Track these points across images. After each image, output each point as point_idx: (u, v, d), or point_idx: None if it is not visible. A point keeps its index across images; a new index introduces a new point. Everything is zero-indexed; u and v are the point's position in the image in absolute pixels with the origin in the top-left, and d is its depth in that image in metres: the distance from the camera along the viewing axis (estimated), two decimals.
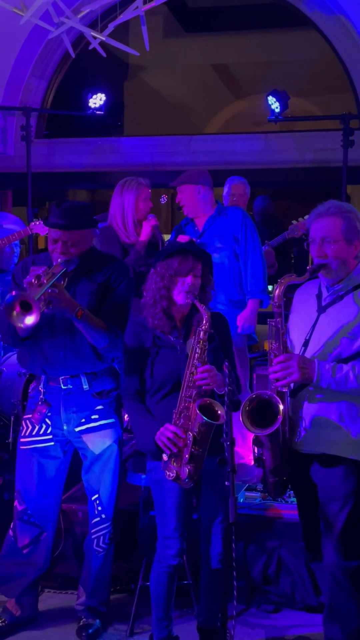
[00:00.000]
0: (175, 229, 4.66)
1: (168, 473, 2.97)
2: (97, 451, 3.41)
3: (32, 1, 4.04)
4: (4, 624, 3.46)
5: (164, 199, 12.19)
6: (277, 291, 2.90)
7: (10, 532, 3.48)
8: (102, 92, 6.30)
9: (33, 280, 3.05)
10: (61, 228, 3.23)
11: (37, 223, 4.27)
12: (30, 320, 2.96)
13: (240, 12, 8.47)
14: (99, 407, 3.41)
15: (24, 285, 3.09)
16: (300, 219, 5.22)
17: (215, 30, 8.85)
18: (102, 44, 4.37)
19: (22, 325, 2.99)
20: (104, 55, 4.41)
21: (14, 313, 2.97)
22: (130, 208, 4.34)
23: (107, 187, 8.19)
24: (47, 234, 3.36)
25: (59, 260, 3.23)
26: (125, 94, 8.94)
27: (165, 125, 8.86)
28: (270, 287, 4.78)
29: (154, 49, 4.50)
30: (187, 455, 2.94)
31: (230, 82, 10.20)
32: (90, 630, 3.42)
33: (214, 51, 9.28)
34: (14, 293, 2.99)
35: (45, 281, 3.05)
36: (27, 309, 2.96)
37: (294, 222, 5.22)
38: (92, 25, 5.10)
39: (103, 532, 3.45)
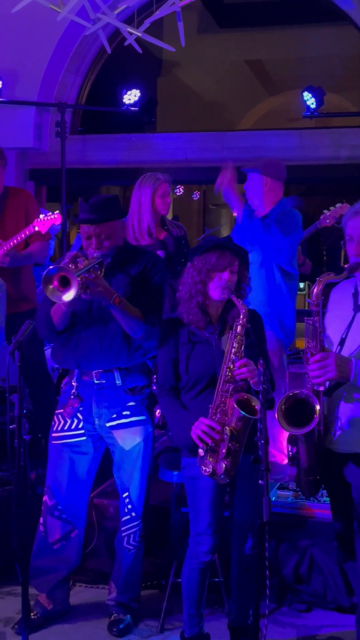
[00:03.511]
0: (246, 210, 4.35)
1: (204, 468, 2.97)
2: (126, 447, 3.41)
3: None
4: (36, 616, 3.48)
5: (196, 195, 12.19)
6: (315, 289, 2.88)
7: (41, 528, 3.49)
8: (136, 88, 6.30)
9: (70, 265, 3.07)
10: (92, 222, 3.25)
11: (42, 220, 4.26)
12: (68, 296, 2.98)
13: (275, 7, 8.42)
14: (131, 403, 3.41)
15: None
16: (331, 208, 5.16)
17: (249, 26, 8.81)
18: (136, 39, 4.36)
19: (58, 301, 3.02)
20: (140, 51, 4.41)
21: (51, 288, 2.99)
22: (146, 204, 4.34)
23: None
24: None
25: (95, 254, 3.25)
26: (159, 90, 8.94)
27: (199, 121, 8.85)
28: (301, 285, 4.71)
29: (187, 44, 4.49)
30: (224, 450, 2.93)
31: (264, 78, 10.15)
32: (121, 626, 3.44)
33: (248, 47, 9.24)
34: (53, 267, 3.01)
35: (81, 266, 3.08)
36: (64, 284, 2.98)
37: (325, 211, 5.16)
38: (128, 21, 5.10)
39: (133, 530, 3.45)
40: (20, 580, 2.88)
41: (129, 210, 4.43)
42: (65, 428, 3.42)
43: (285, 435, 4.12)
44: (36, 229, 4.22)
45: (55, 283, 2.99)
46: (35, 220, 4.22)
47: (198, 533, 3.11)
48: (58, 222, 4.24)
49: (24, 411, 2.77)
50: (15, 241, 4.20)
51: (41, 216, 4.23)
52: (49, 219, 4.22)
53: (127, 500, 3.45)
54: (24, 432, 2.75)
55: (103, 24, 4.00)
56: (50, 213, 4.25)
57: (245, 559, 3.19)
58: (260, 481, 2.63)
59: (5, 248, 4.18)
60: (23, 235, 4.22)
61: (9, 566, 3.25)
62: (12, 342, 2.83)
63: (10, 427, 2.73)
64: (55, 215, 4.21)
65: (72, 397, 3.41)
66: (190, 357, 3.14)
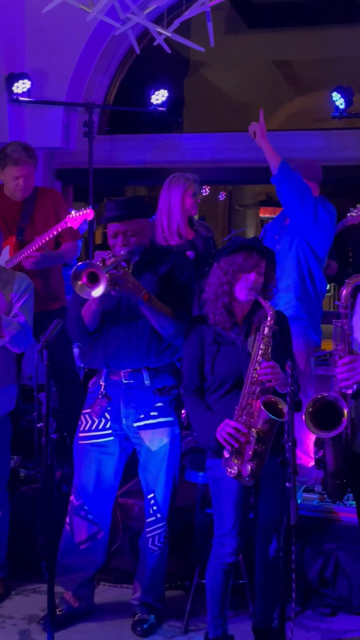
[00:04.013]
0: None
1: (229, 470, 2.96)
2: (153, 448, 3.41)
3: None
4: (61, 612, 3.50)
5: (222, 196, 12.16)
6: (344, 291, 2.86)
7: (67, 527, 3.50)
8: (164, 88, 6.30)
9: (98, 263, 3.09)
10: (118, 220, 3.27)
11: (74, 215, 4.26)
12: (97, 292, 3.00)
13: (304, 7, 8.36)
14: (159, 404, 3.41)
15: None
16: (358, 205, 5.10)
17: (278, 26, 8.76)
18: (165, 39, 4.35)
19: (87, 297, 3.05)
20: (169, 51, 4.40)
21: (80, 284, 3.02)
22: (176, 204, 4.34)
23: None
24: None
25: (122, 252, 3.26)
26: (186, 90, 8.92)
27: (226, 121, 8.82)
28: (327, 286, 4.67)
29: (215, 44, 4.47)
30: (250, 453, 2.92)
31: (292, 78, 10.09)
32: (145, 626, 3.44)
33: (276, 47, 9.19)
34: (83, 263, 3.03)
35: (109, 263, 3.09)
36: (93, 280, 3.00)
37: (352, 209, 5.11)
38: (157, 21, 5.10)
39: (158, 531, 3.45)
40: (47, 578, 2.89)
41: (157, 210, 4.44)
42: (93, 428, 3.43)
43: (311, 437, 4.09)
44: (68, 224, 4.23)
45: (84, 279, 3.01)
46: (67, 216, 4.24)
47: (222, 534, 3.11)
48: (90, 217, 4.24)
49: (51, 410, 2.78)
50: (47, 237, 4.22)
51: (72, 212, 4.24)
52: (81, 215, 4.22)
53: (153, 501, 3.45)
54: (51, 431, 2.76)
55: (133, 24, 4.00)
56: (82, 209, 4.26)
57: (270, 562, 3.18)
58: (287, 484, 2.62)
59: (37, 244, 4.21)
60: (55, 232, 4.24)
61: (35, 564, 3.27)
62: (41, 341, 2.85)
63: (38, 425, 2.74)
64: (88, 211, 4.21)
65: (100, 396, 3.41)
66: (216, 358, 3.13)
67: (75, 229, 4.32)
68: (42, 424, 2.73)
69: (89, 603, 3.60)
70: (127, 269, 3.21)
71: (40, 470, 2.89)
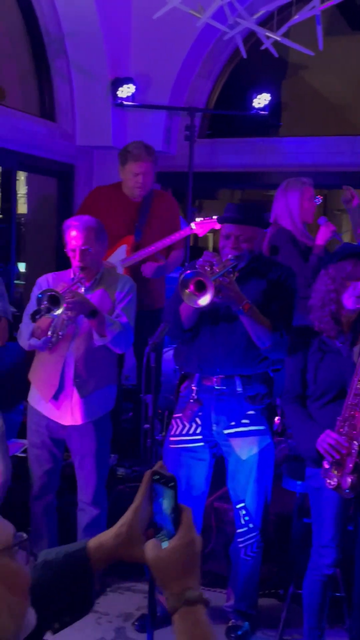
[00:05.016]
0: None
1: (329, 481, 2.91)
2: (242, 457, 3.35)
3: (209, 3, 4.08)
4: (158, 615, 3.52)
5: (318, 200, 12.00)
6: None
7: None
8: (265, 92, 6.26)
9: (206, 267, 3.08)
10: (234, 222, 3.26)
11: (200, 221, 4.30)
12: (204, 301, 3.00)
13: None
14: (251, 412, 3.36)
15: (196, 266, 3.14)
16: None
17: None
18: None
19: (194, 305, 3.04)
20: (277, 55, 4.37)
21: (187, 292, 3.02)
22: (295, 209, 4.30)
23: (267, 188, 8.18)
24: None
25: (230, 256, 3.25)
26: (286, 93, 8.84)
27: (328, 125, 8.69)
28: None
29: (317, 47, 4.41)
30: (350, 465, 2.86)
31: None
32: (240, 632, 3.42)
33: None
34: (190, 271, 3.03)
35: (217, 270, 3.08)
36: (200, 289, 3.00)
37: None
38: (264, 25, 5.07)
39: (250, 541, 3.40)
40: (147, 579, 2.92)
41: (275, 216, 4.42)
42: (184, 432, 3.42)
43: None
44: (193, 227, 4.28)
45: (192, 287, 3.01)
46: (196, 221, 4.29)
47: (321, 545, 3.06)
48: (218, 227, 4.30)
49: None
50: (168, 242, 4.29)
51: (198, 219, 4.29)
52: (207, 222, 4.26)
53: (244, 511, 3.39)
54: (156, 432, 2.78)
55: (241, 28, 4.00)
56: (208, 217, 4.30)
57: None
58: None
59: (155, 248, 4.28)
60: (178, 236, 4.30)
61: (131, 562, 3.30)
62: (149, 343, 2.87)
63: (144, 426, 2.77)
64: (214, 219, 4.26)
65: (191, 401, 3.40)
66: (320, 367, 3.08)
67: (200, 236, 4.38)
68: (148, 425, 2.75)
69: None
70: (233, 275, 3.20)
71: (137, 470, 2.91)
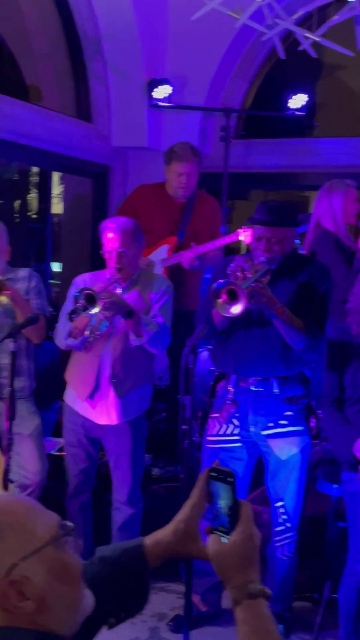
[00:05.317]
0: None
1: None
2: (282, 457, 3.36)
3: (247, 3, 4.06)
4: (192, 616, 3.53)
5: None
6: None
7: None
8: (301, 93, 6.22)
9: (238, 274, 3.07)
10: (266, 224, 3.24)
11: (246, 231, 4.31)
12: (236, 309, 2.98)
13: None
14: (289, 413, 3.36)
15: (227, 273, 3.13)
16: None
17: None
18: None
19: (227, 315, 3.02)
20: (315, 55, 4.35)
21: (219, 301, 3.00)
22: (339, 211, 4.28)
23: (302, 189, 8.12)
24: None
25: (262, 258, 3.23)
26: (322, 93, 8.78)
27: None
28: None
29: (354, 47, 4.37)
30: None
31: None
32: None
33: None
34: (221, 280, 3.02)
35: (250, 275, 3.07)
36: (233, 298, 2.99)
37: None
38: (302, 25, 5.04)
39: (287, 541, 3.41)
40: (184, 580, 2.92)
41: (316, 216, 4.39)
42: (221, 432, 3.42)
43: None
44: (241, 238, 4.29)
45: (224, 297, 2.99)
46: (243, 228, 4.29)
47: (358, 551, 3.03)
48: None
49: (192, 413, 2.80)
50: (214, 246, 4.31)
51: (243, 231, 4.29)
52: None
53: (282, 510, 3.41)
54: (193, 434, 2.78)
55: (280, 29, 3.98)
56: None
57: None
58: None
59: (199, 251, 4.29)
60: (223, 242, 4.32)
61: (171, 563, 3.31)
62: (187, 345, 2.87)
63: (182, 427, 2.77)
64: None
65: (228, 402, 3.40)
66: (358, 370, 3.06)
67: (247, 244, 4.39)
68: (185, 426, 2.75)
69: (216, 607, 3.62)
70: (265, 279, 3.18)
71: (176, 471, 2.91)
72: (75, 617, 1.16)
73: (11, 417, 3.25)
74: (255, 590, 1.24)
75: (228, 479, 1.31)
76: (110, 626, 1.37)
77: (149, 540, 1.41)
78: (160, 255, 4.41)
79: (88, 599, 1.20)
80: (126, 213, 4.12)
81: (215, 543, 1.28)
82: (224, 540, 1.29)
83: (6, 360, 3.44)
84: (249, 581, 1.25)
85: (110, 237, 3.52)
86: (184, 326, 4.05)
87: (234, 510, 1.30)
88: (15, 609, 1.08)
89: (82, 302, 3.27)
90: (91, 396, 3.58)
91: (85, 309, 3.28)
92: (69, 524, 1.17)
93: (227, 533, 1.29)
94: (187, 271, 4.50)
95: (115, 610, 1.37)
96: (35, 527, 1.14)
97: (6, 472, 3.34)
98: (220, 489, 1.32)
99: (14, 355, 3.28)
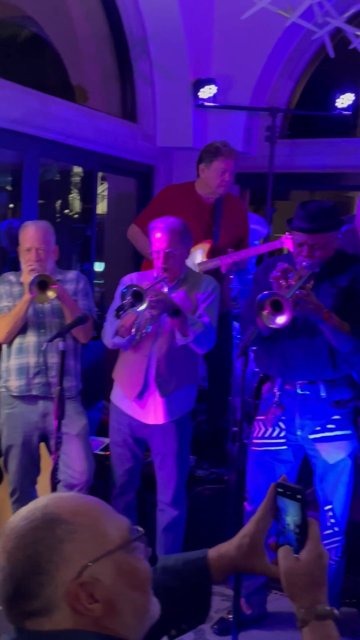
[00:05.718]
0: None
1: None
2: (330, 461, 3.32)
3: (297, 2, 4.03)
4: (233, 618, 3.50)
5: None
6: None
7: None
8: (349, 92, 6.15)
9: (281, 282, 3.03)
10: (307, 232, 3.17)
11: (288, 237, 4.28)
12: (281, 320, 2.94)
13: None
14: (336, 416, 3.31)
15: (270, 281, 3.09)
16: None
17: None
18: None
19: (272, 325, 2.98)
20: None
21: (264, 313, 2.96)
22: None
23: (347, 189, 8.03)
24: None
25: (304, 263, 3.18)
26: None
27: None
28: None
29: None
30: None
31: None
32: None
33: None
34: (266, 292, 2.98)
35: (293, 283, 3.02)
36: (277, 308, 2.95)
37: None
38: (351, 23, 4.98)
39: (335, 545, 3.36)
40: (232, 584, 2.90)
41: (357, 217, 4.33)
42: (267, 435, 3.39)
43: None
44: (283, 245, 4.27)
45: (268, 308, 2.96)
46: (286, 235, 4.25)
47: None
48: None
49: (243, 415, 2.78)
50: (257, 252, 4.29)
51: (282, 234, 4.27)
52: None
53: (331, 513, 3.37)
54: (244, 436, 2.76)
55: (330, 27, 3.93)
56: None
57: None
58: None
59: (235, 258, 4.27)
60: (264, 250, 4.29)
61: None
62: (239, 346, 2.85)
63: (233, 429, 2.75)
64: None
65: (274, 405, 3.37)
66: None
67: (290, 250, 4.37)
68: (236, 428, 2.73)
69: (260, 610, 3.59)
70: (309, 285, 3.12)
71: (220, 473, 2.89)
72: (142, 623, 1.14)
73: (60, 416, 3.27)
74: (324, 611, 1.21)
75: (297, 496, 1.27)
76: (171, 638, 1.35)
77: (213, 553, 1.38)
78: (197, 258, 4.39)
79: (155, 606, 1.18)
80: (155, 214, 4.10)
81: (286, 559, 1.25)
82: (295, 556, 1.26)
83: (55, 360, 3.46)
84: (317, 602, 1.22)
85: (158, 237, 3.51)
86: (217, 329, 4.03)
87: (302, 528, 1.26)
88: (84, 611, 1.08)
89: (129, 298, 3.27)
90: (139, 396, 3.58)
91: (133, 305, 3.28)
92: (140, 529, 1.16)
93: (294, 551, 1.26)
94: (217, 273, 4.47)
95: (176, 621, 1.35)
96: (107, 529, 1.13)
97: (54, 471, 3.35)
98: (288, 505, 1.28)
99: (63, 354, 3.29)
